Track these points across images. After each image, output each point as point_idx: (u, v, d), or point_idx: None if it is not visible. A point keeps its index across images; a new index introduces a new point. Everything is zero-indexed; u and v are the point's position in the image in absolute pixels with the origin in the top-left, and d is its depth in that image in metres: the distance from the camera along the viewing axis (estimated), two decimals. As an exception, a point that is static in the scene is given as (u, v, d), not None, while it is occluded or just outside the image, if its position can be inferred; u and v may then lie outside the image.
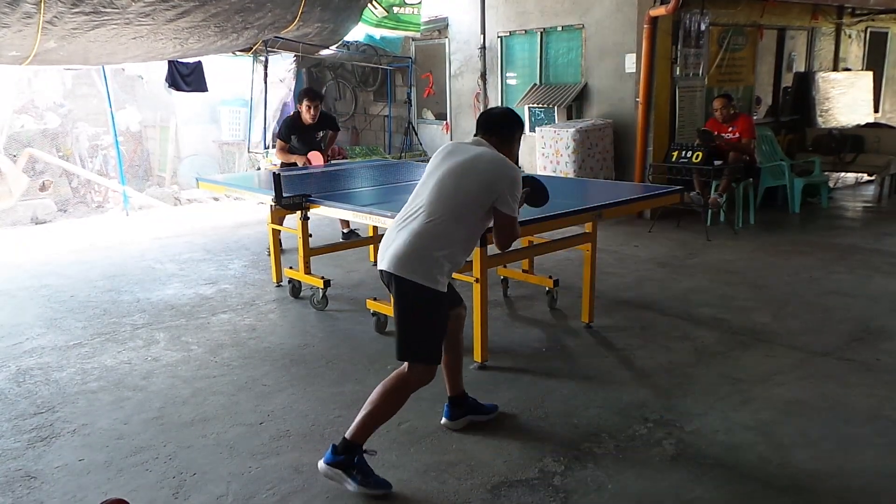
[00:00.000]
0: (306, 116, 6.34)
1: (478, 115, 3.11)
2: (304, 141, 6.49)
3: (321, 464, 2.82)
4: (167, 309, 5.12)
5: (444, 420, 3.31)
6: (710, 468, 2.92)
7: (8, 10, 5.70)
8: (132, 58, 7.81)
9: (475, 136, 3.02)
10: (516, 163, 3.06)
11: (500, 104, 9.37)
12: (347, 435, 2.81)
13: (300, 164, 6.45)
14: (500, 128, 3.03)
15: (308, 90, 6.68)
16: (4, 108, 9.40)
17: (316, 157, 6.47)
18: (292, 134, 6.46)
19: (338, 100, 11.67)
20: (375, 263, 6.15)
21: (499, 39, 9.16)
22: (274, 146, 7.42)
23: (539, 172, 7.80)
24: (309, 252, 5.20)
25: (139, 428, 3.36)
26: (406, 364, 2.83)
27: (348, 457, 2.79)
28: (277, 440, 3.21)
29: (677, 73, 7.66)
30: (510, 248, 3.15)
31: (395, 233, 2.84)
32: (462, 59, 9.73)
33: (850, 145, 8.90)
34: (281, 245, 6.27)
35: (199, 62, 9.05)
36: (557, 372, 3.89)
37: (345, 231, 6.92)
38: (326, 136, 6.71)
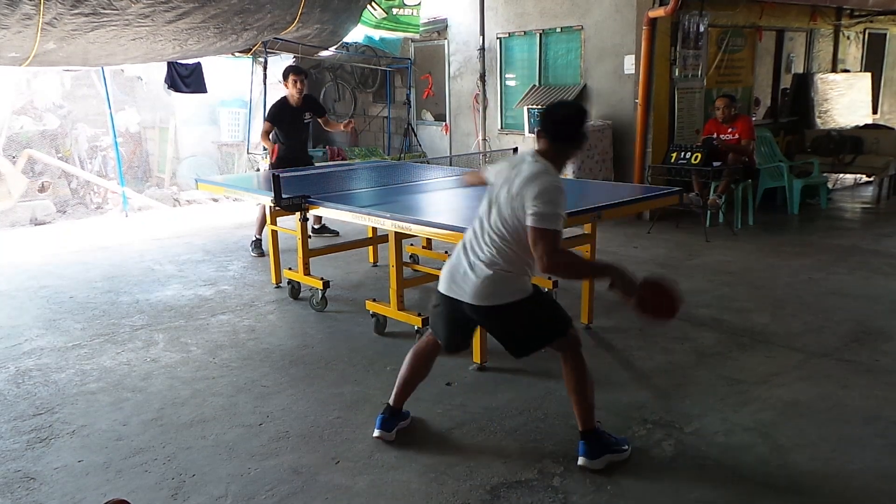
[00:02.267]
0: (293, 92, 6.37)
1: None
2: (293, 126, 6.52)
3: (587, 462, 2.90)
4: (166, 310, 5.12)
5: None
6: (710, 469, 2.92)
7: (7, 12, 5.70)
8: (131, 59, 7.81)
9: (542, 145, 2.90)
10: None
11: (499, 105, 9.39)
12: (581, 427, 2.94)
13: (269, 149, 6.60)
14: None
15: (292, 66, 6.73)
16: (4, 109, 9.40)
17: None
18: (280, 119, 6.49)
19: (337, 101, 11.67)
20: (375, 264, 6.20)
21: (498, 41, 9.16)
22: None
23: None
24: (308, 253, 5.20)
25: (138, 429, 3.36)
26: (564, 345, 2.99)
27: (601, 440, 2.94)
28: (276, 441, 3.21)
29: (676, 74, 7.67)
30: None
31: (473, 262, 2.91)
32: (461, 60, 9.74)
33: (848, 146, 8.91)
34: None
35: (199, 63, 9.05)
36: (556, 373, 3.86)
37: (315, 227, 6.96)
38: (310, 121, 6.69)
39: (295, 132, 6.59)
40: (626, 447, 3.02)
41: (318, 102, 6.91)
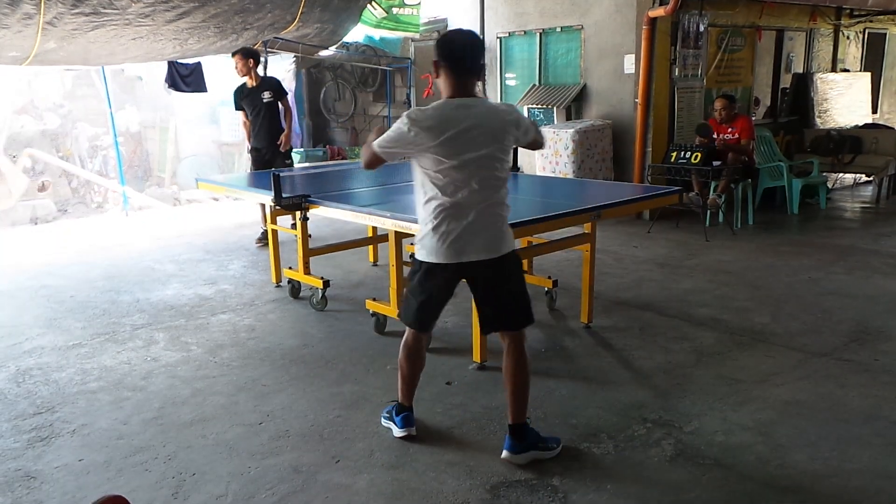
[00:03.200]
0: (237, 72, 6.65)
1: (457, 51, 2.84)
2: (253, 106, 6.74)
3: (512, 456, 2.94)
4: (166, 309, 5.12)
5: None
6: (709, 468, 2.93)
7: (8, 11, 5.71)
8: (132, 58, 7.82)
9: (467, 88, 2.83)
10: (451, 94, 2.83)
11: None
12: (513, 421, 2.96)
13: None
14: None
15: (240, 48, 6.88)
16: (4, 108, 9.40)
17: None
18: (241, 99, 6.79)
19: (337, 100, 11.67)
20: (375, 264, 6.21)
21: (498, 40, 9.17)
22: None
23: (538, 173, 7.82)
24: (308, 252, 5.21)
25: (139, 428, 3.36)
26: (522, 330, 2.98)
27: (529, 438, 2.97)
28: (277, 440, 3.21)
29: (676, 74, 7.68)
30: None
31: (480, 219, 2.81)
32: (461, 59, 9.73)
33: (848, 146, 8.92)
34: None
35: (199, 63, 9.05)
36: (556, 372, 3.89)
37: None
38: (274, 102, 6.78)
39: (256, 113, 6.76)
40: (556, 446, 3.05)
41: (278, 84, 6.96)
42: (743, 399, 3.53)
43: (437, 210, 2.82)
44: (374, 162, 2.95)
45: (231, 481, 2.89)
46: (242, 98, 6.79)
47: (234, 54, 6.70)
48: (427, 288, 2.96)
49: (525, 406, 2.98)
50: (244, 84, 6.78)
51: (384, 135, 2.86)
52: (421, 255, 2.92)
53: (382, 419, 3.31)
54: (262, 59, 6.95)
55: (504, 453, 2.96)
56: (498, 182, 2.85)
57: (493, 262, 2.87)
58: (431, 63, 2.88)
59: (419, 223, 2.94)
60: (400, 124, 2.79)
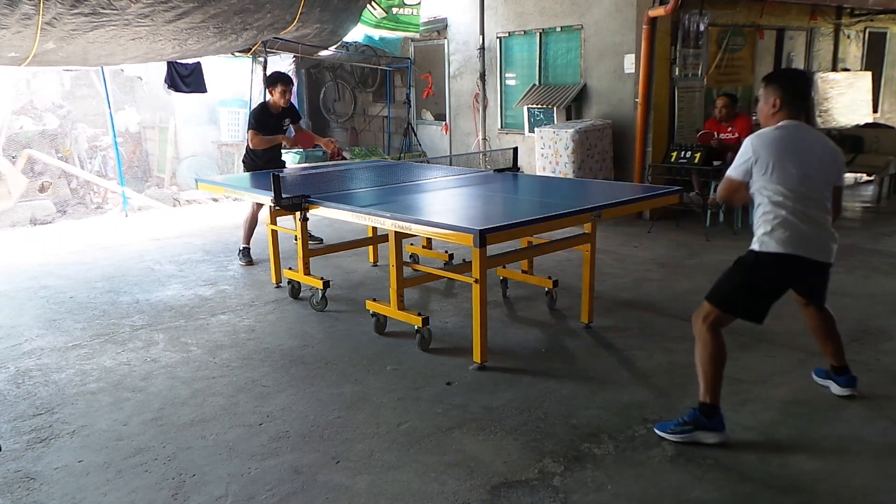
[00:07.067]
0: (279, 101, 6.18)
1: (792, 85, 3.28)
2: (273, 131, 6.32)
3: (853, 390, 3.52)
4: (166, 310, 5.12)
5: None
6: (710, 468, 2.92)
7: (7, 12, 5.70)
8: (131, 59, 7.81)
9: (795, 114, 3.21)
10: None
11: (499, 105, 9.39)
12: (840, 363, 3.53)
13: (288, 145, 6.44)
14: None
15: (282, 74, 6.47)
16: (3, 109, 9.40)
17: (306, 139, 6.56)
18: (264, 125, 6.25)
19: (337, 100, 11.68)
20: (375, 264, 6.20)
21: (498, 40, 9.16)
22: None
23: (538, 173, 7.81)
24: (308, 253, 5.20)
25: (138, 429, 3.36)
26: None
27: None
28: (277, 441, 3.21)
29: (676, 73, 7.67)
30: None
31: (824, 225, 3.19)
32: (461, 59, 9.74)
33: (849, 146, 8.90)
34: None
35: (199, 63, 9.05)
36: (557, 372, 3.89)
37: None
38: (288, 127, 6.51)
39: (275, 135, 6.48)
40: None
41: (296, 109, 6.67)
42: (744, 399, 3.52)
43: None
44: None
45: (231, 482, 2.89)
46: (267, 122, 6.23)
47: (280, 83, 6.17)
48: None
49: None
50: (267, 106, 6.27)
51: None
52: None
53: (669, 435, 3.13)
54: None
55: (842, 390, 3.49)
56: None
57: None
58: (771, 99, 3.27)
59: None
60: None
